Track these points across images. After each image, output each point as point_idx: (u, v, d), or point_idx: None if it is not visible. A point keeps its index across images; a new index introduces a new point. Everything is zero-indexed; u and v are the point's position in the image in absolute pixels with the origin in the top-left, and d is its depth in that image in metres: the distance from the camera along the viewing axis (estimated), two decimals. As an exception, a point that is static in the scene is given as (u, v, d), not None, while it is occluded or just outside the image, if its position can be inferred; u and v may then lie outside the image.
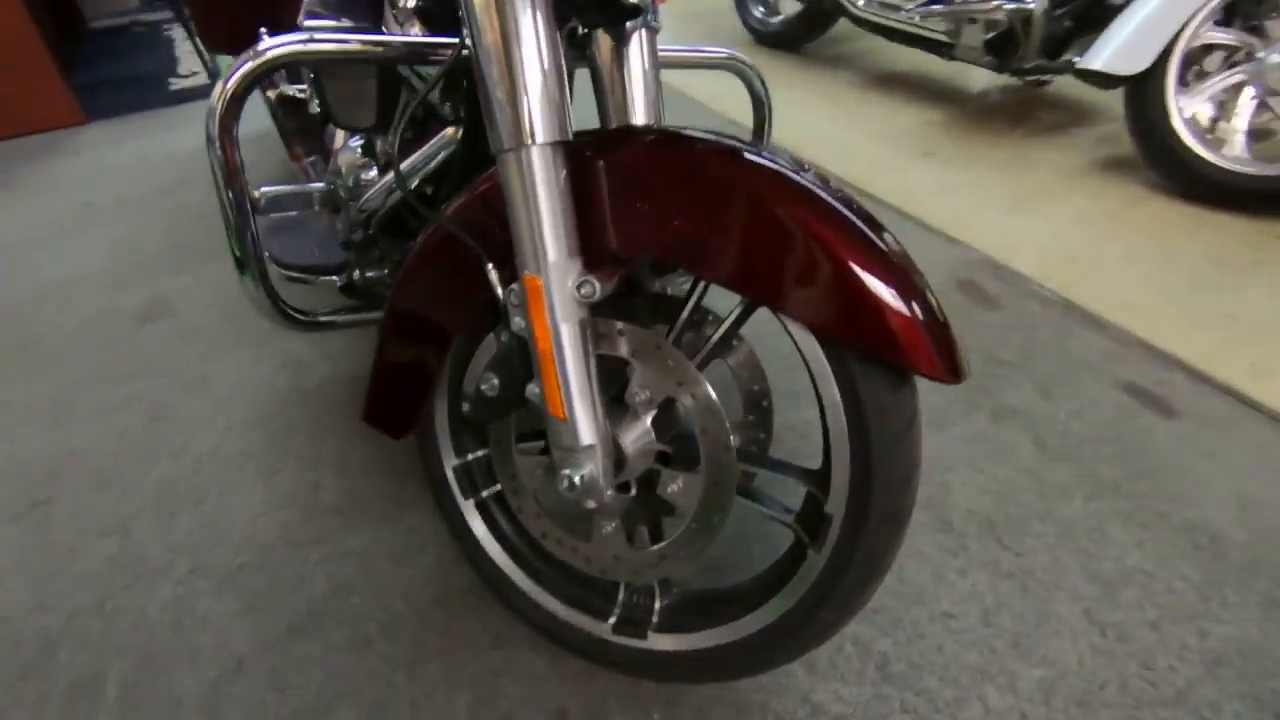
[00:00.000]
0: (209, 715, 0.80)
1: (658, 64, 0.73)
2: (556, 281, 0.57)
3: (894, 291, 0.52)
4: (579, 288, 0.57)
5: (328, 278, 0.97)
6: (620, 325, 0.63)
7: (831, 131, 2.18)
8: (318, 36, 0.66)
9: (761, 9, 2.88)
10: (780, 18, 2.80)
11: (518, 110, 0.53)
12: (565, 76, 0.58)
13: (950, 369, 0.53)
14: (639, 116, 0.71)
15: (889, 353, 0.52)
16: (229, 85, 0.62)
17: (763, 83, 1.04)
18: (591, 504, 0.63)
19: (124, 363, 1.36)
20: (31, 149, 2.36)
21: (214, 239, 1.76)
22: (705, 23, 3.32)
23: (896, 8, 2.15)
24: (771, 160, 0.56)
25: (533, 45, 0.53)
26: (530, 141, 0.54)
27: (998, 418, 1.13)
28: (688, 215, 0.57)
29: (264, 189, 0.85)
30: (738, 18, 2.97)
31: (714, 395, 0.61)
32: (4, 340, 1.45)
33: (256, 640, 0.87)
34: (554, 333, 0.58)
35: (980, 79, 2.45)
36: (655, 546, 0.68)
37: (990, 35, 1.92)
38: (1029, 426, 1.11)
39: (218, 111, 0.63)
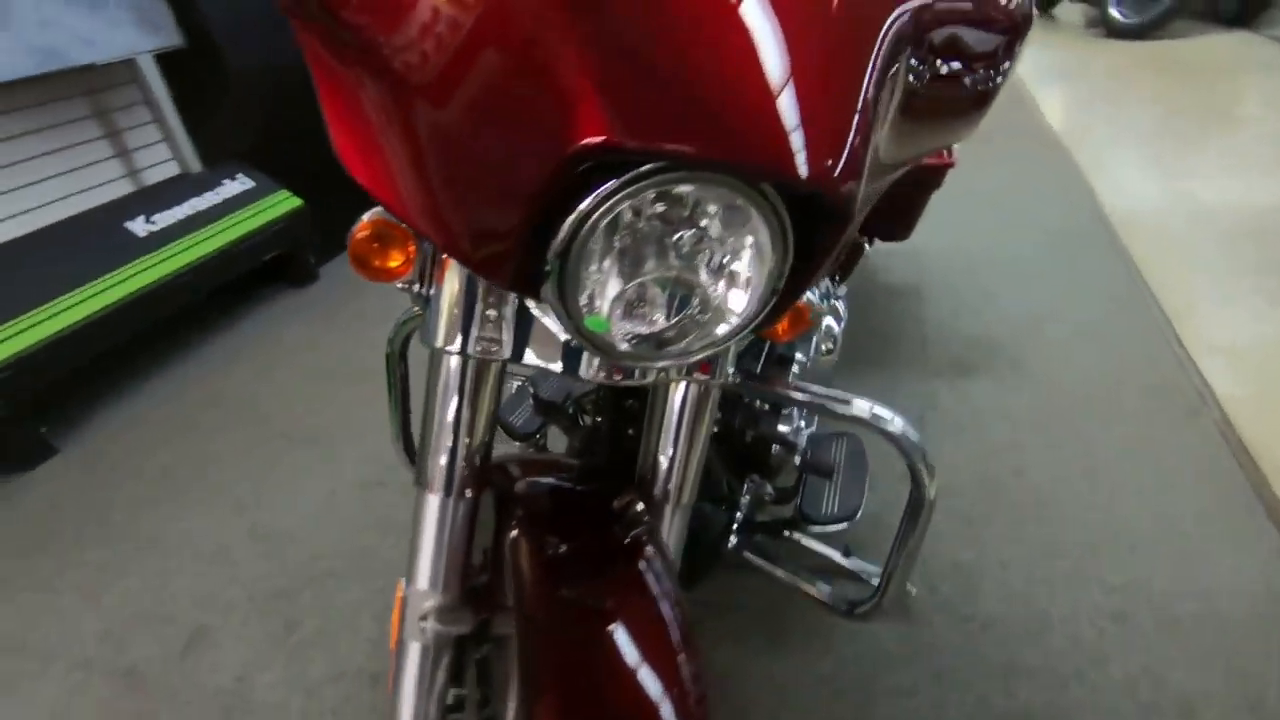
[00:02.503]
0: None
1: (701, 424, 0.69)
2: (411, 603, 0.64)
3: None
4: (422, 618, 0.63)
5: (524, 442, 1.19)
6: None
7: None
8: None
9: None
10: None
11: (424, 456, 0.62)
12: (475, 425, 0.63)
13: None
14: (658, 473, 0.69)
15: None
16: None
17: (924, 457, 0.79)
18: None
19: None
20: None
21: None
22: None
23: None
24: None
25: (452, 389, 0.60)
26: (423, 484, 0.62)
27: None
28: None
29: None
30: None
31: None
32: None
33: None
34: (399, 643, 0.65)
35: None
36: None
37: None
38: None
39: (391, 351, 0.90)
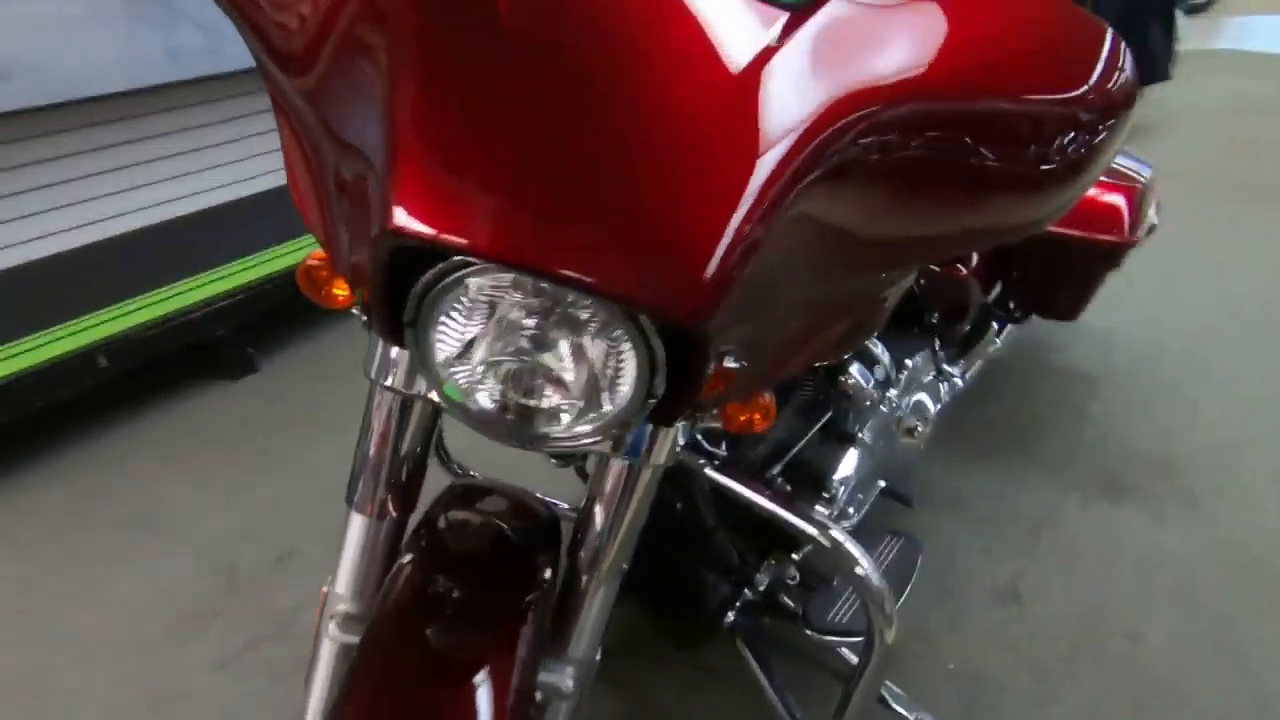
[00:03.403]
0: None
1: (629, 504, 0.68)
2: (329, 603, 0.70)
3: None
4: (332, 618, 0.69)
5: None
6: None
7: None
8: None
9: None
10: None
11: (353, 476, 0.68)
12: (400, 455, 0.67)
13: None
14: (587, 542, 0.69)
15: None
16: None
17: (883, 605, 0.67)
18: None
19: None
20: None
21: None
22: None
23: None
24: None
25: (380, 420, 0.65)
26: (349, 502, 0.68)
27: None
28: None
29: None
30: None
31: None
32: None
33: None
34: (316, 636, 0.72)
35: None
36: None
37: None
38: None
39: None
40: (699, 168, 0.41)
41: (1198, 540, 1.37)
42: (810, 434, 1.10)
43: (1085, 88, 0.59)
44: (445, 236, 0.40)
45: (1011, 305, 1.62)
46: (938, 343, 1.33)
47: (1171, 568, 1.32)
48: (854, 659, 1.18)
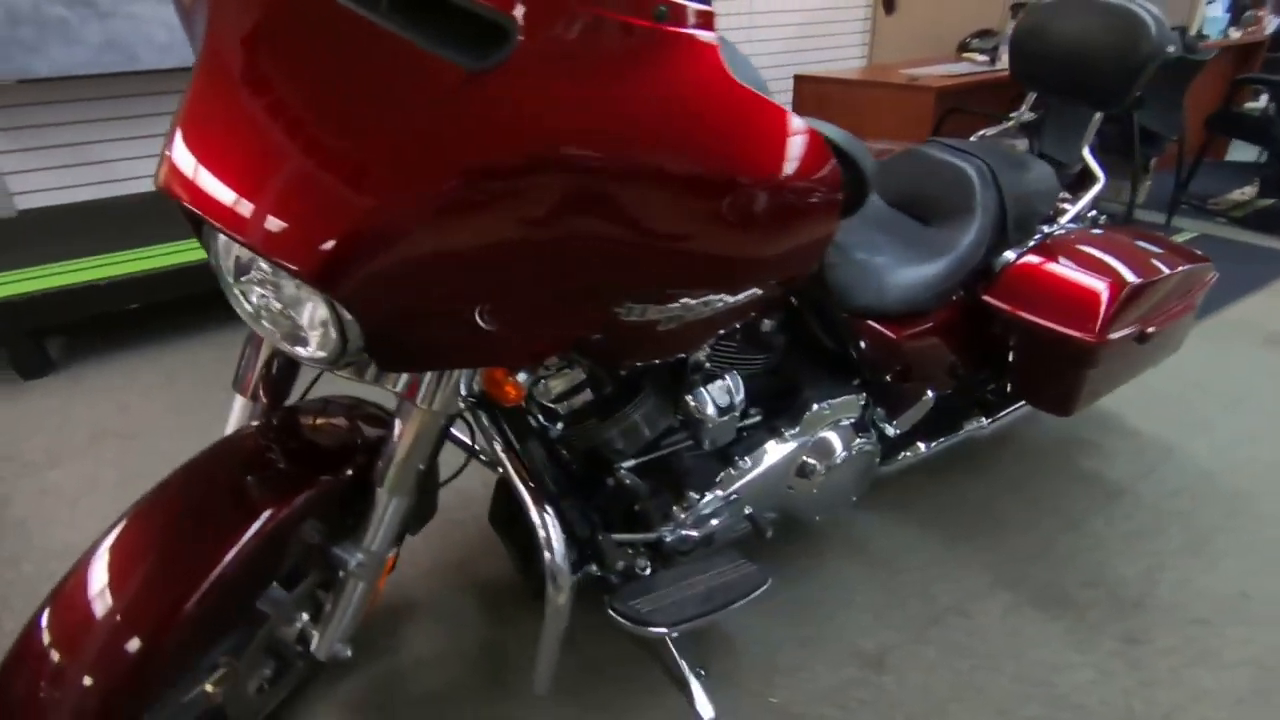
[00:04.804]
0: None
1: (406, 437, 0.88)
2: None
3: None
4: None
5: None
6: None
7: None
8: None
9: None
10: None
11: (238, 368, 0.97)
12: (272, 357, 0.95)
13: None
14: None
15: None
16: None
17: (555, 579, 0.80)
18: None
19: None
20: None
21: None
22: None
23: None
24: None
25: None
26: (232, 385, 0.98)
27: None
28: None
29: None
30: None
31: None
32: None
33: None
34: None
35: None
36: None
37: None
38: None
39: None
40: (356, 170, 0.55)
41: (1114, 689, 1.24)
42: (681, 445, 1.21)
43: (753, 173, 0.67)
44: (177, 194, 0.58)
45: (1008, 388, 1.54)
46: (866, 397, 1.34)
47: (1062, 703, 1.20)
48: (684, 666, 1.27)
